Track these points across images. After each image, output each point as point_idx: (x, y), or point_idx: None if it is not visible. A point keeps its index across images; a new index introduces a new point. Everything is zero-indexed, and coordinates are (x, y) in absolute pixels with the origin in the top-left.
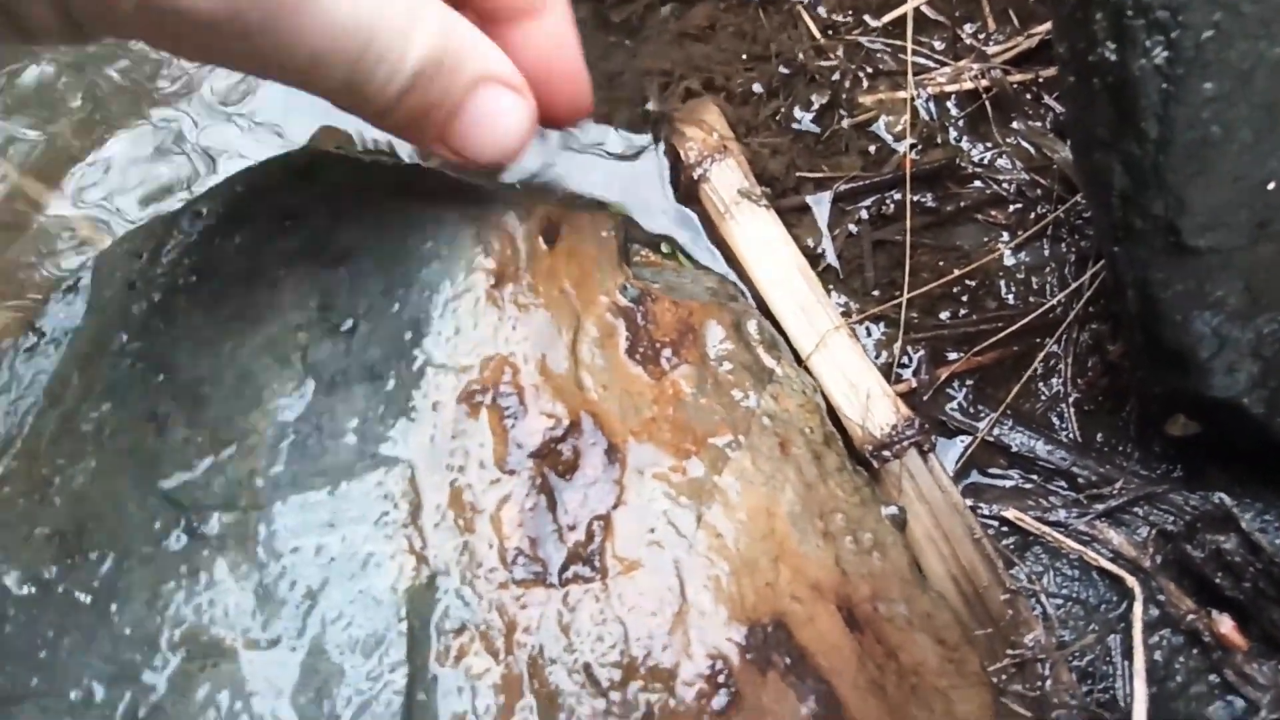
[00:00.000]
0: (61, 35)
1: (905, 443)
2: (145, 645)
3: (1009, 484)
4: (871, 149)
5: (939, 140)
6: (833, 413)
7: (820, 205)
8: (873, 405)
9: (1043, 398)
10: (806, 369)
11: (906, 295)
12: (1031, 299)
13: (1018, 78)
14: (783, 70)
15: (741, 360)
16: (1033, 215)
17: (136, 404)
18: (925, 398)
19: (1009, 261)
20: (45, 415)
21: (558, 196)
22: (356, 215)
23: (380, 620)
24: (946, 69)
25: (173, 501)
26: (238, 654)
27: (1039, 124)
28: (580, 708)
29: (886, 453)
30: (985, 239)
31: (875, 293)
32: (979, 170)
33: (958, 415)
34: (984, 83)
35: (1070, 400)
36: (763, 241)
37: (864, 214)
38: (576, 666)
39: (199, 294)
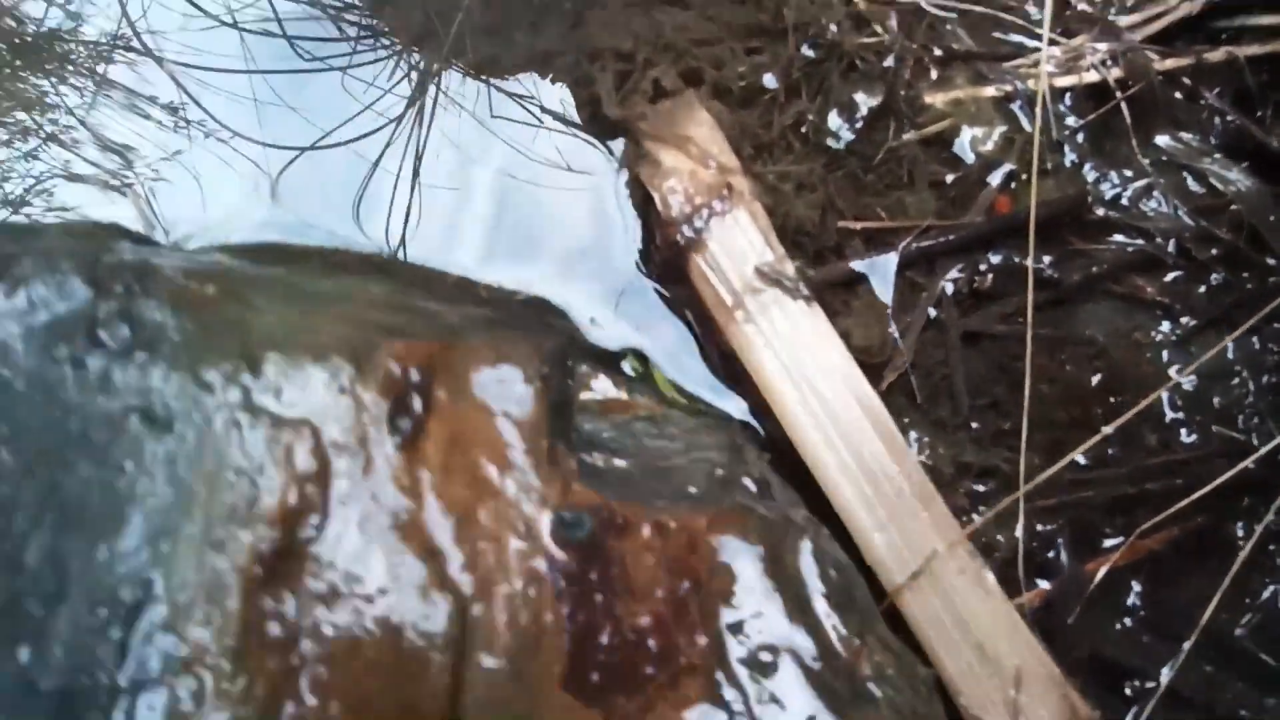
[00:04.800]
0: None
1: None
2: None
3: None
4: (948, 177)
5: (1048, 164)
6: (943, 691)
7: (879, 275)
8: (1029, 701)
9: (1258, 604)
10: (896, 612)
11: (1025, 441)
12: (1216, 430)
13: (1168, 64)
14: (807, 53)
15: (794, 648)
16: (1203, 288)
17: None
18: (1072, 619)
19: (1173, 368)
20: None
21: (427, 312)
22: None
23: None
24: (1056, 50)
25: None
26: None
27: (1197, 137)
28: None
29: None
30: (1130, 326)
31: (974, 424)
32: (1115, 215)
33: (1124, 647)
34: (1116, 72)
35: None
36: (805, 366)
37: (948, 287)
38: None
39: None
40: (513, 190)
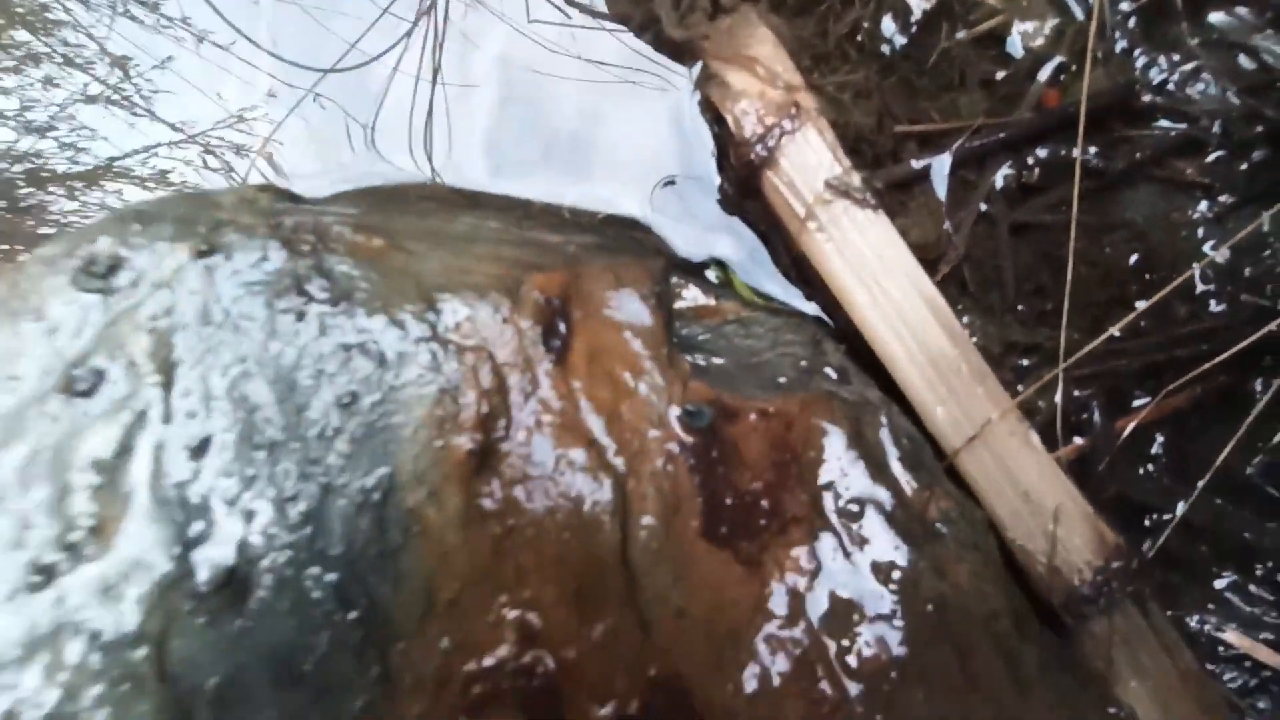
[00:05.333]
0: None
1: (1116, 592)
2: None
3: (1221, 583)
4: (999, 75)
5: (1099, 54)
6: (994, 530)
7: (934, 175)
8: (1065, 533)
9: (1270, 448)
10: (953, 471)
11: (1066, 322)
12: (1244, 301)
13: None
14: None
15: (876, 500)
16: (1244, 166)
17: None
18: (1102, 466)
19: (1208, 244)
20: None
21: (546, 244)
22: None
23: None
24: None
25: None
26: None
27: (1251, 12)
28: None
29: (1089, 608)
30: (1169, 207)
31: (1020, 307)
32: (1161, 100)
33: (1146, 489)
34: None
35: None
36: (874, 269)
37: (999, 181)
38: None
39: None
40: (588, 111)
